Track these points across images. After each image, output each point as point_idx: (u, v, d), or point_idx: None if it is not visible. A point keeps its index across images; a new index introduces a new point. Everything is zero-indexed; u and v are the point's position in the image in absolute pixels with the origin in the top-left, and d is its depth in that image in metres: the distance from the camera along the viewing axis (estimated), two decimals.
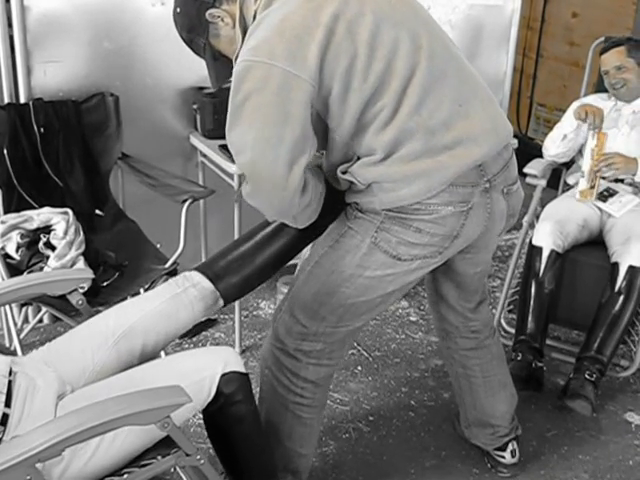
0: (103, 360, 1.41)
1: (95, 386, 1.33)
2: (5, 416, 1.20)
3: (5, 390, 1.22)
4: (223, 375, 1.35)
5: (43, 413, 1.23)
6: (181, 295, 1.51)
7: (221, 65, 1.49)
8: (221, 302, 1.57)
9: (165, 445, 1.29)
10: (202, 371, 1.35)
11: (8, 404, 1.21)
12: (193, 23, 1.46)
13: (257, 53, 1.31)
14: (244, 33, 1.41)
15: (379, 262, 1.46)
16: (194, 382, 1.30)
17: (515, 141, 2.42)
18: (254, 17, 1.39)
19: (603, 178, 2.44)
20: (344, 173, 1.43)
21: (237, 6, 1.42)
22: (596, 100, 2.56)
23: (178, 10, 1.48)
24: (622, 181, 2.44)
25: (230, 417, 1.40)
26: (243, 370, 1.39)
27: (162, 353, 1.87)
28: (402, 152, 1.36)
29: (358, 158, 1.41)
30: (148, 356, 1.46)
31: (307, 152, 1.36)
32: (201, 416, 1.45)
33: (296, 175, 1.35)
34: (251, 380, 2.20)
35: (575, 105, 2.58)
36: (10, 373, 1.25)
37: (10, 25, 2.17)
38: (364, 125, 1.37)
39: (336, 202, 1.53)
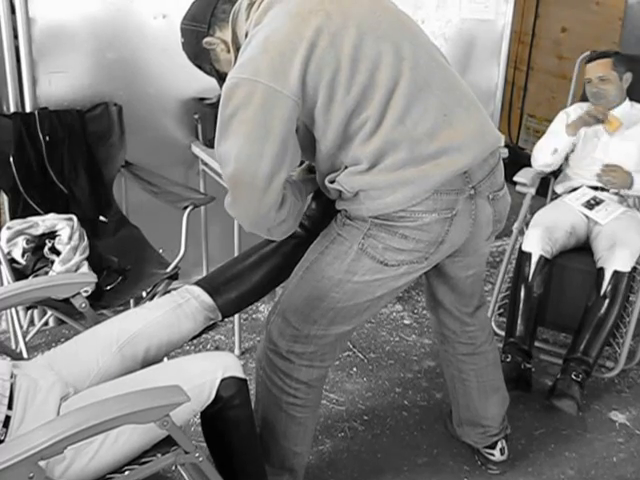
0: (107, 365, 1.44)
1: (98, 388, 1.36)
2: (7, 418, 1.22)
3: (7, 393, 1.24)
4: (223, 380, 1.37)
5: (45, 414, 1.25)
6: (183, 306, 1.56)
7: None
8: (219, 316, 1.62)
9: (165, 443, 1.31)
10: (203, 375, 1.37)
11: (10, 406, 1.23)
12: (195, 51, 1.53)
13: (243, 70, 1.35)
14: (238, 52, 1.45)
15: (367, 267, 1.48)
16: (195, 385, 1.32)
17: (505, 150, 2.49)
18: (246, 36, 1.43)
19: (595, 188, 2.51)
20: (332, 182, 1.45)
21: (229, 30, 1.47)
22: (576, 110, 2.63)
23: (182, 40, 1.55)
24: (607, 190, 2.50)
25: (227, 420, 1.42)
26: (242, 375, 1.41)
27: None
28: (387, 162, 1.38)
29: (345, 167, 1.43)
30: (150, 363, 1.48)
31: (286, 167, 1.39)
32: None
33: (274, 189, 1.38)
34: (251, 381, 2.24)
35: (562, 116, 2.66)
36: (11, 376, 1.28)
37: (16, 36, 2.20)
38: (349, 136, 1.39)
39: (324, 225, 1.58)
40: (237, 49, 1.47)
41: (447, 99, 1.45)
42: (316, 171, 1.53)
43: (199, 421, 1.49)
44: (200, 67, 1.58)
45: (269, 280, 1.68)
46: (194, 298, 1.58)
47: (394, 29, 1.44)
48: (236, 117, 1.35)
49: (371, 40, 1.38)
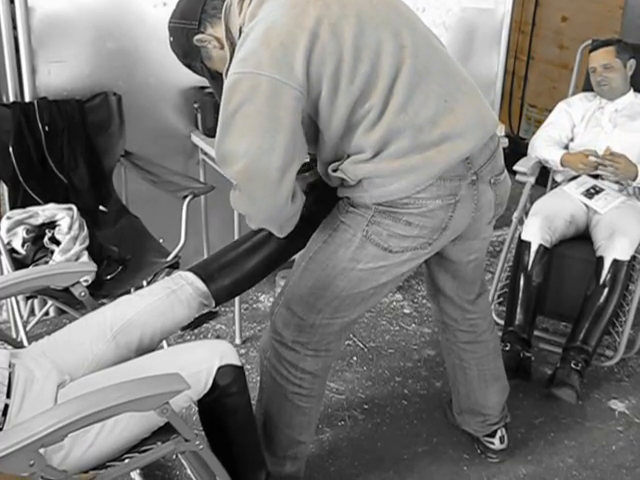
0: (102, 352, 1.44)
1: (95, 375, 1.37)
2: (6, 407, 1.23)
3: (6, 382, 1.25)
4: (219, 368, 1.38)
5: (42, 402, 1.26)
6: (177, 292, 1.55)
7: (221, 83, 1.50)
8: (213, 303, 1.61)
9: (165, 431, 1.32)
10: (200, 363, 1.37)
11: (8, 395, 1.24)
12: (185, 49, 1.52)
13: (245, 65, 1.33)
14: (232, 48, 1.44)
15: (371, 255, 1.49)
16: (192, 374, 1.31)
17: (506, 140, 2.49)
18: (240, 31, 1.42)
19: (595, 177, 2.50)
20: (335, 171, 1.45)
21: (222, 26, 1.45)
22: (582, 100, 2.63)
23: (171, 39, 1.53)
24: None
25: (224, 408, 1.43)
26: (238, 363, 1.42)
27: (164, 344, 1.90)
28: (390, 150, 1.39)
29: (348, 156, 1.43)
30: (144, 350, 1.48)
31: (297, 158, 1.39)
32: None
33: (288, 181, 1.38)
34: (252, 370, 2.24)
35: (562, 106, 2.64)
36: (10, 365, 1.29)
37: (15, 26, 2.19)
38: (353, 125, 1.39)
39: (321, 215, 1.57)
40: (231, 44, 1.45)
41: (447, 85, 1.45)
42: (317, 160, 1.53)
43: None
44: (189, 66, 1.56)
45: (263, 267, 1.67)
46: (188, 284, 1.57)
47: (392, 17, 1.43)
48: (240, 111, 1.33)
49: (371, 29, 1.37)
